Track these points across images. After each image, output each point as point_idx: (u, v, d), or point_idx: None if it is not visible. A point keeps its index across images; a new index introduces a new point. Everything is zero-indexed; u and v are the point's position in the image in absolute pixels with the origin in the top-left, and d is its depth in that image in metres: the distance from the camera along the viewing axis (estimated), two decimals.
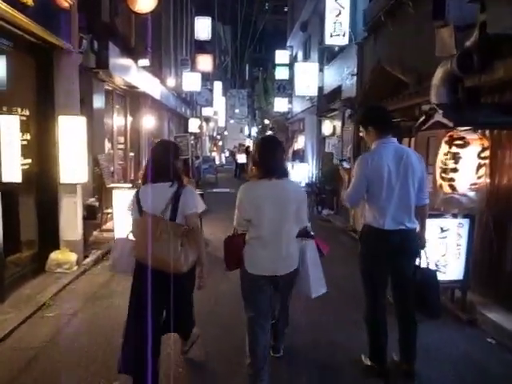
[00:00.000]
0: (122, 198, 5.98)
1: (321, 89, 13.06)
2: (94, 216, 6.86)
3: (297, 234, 2.92)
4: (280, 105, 19.92)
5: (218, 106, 35.08)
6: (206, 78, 25.83)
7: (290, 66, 19.73)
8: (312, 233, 3.11)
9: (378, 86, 7.78)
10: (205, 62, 19.12)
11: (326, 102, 12.89)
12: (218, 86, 34.76)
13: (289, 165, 14.90)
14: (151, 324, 2.71)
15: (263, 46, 56.59)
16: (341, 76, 10.80)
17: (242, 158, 19.82)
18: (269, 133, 28.87)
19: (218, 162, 36.75)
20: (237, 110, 61.66)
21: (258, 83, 30.64)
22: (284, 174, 2.86)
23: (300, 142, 17.46)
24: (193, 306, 3.29)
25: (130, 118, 10.43)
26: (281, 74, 19.72)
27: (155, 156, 2.91)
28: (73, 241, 5.69)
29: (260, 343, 2.85)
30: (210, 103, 19.64)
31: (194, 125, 25.26)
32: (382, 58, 7.47)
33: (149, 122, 11.12)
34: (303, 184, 13.23)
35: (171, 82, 12.60)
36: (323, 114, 12.85)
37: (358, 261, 3.34)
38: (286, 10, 27.69)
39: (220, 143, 47.40)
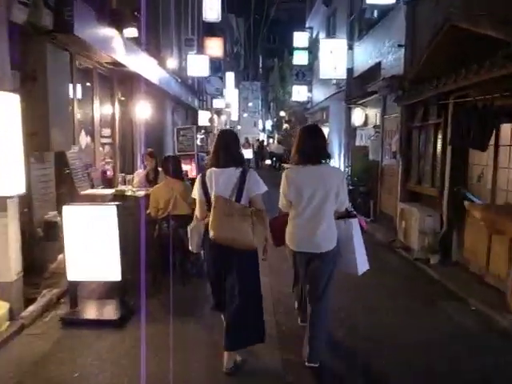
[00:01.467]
0: (89, 214, 4.02)
1: (350, 70, 10.95)
2: (54, 236, 4.97)
3: (338, 216, 3.20)
4: (298, 94, 17.79)
5: (231, 98, 33.09)
6: (217, 68, 23.85)
7: (310, 49, 17.59)
8: (354, 212, 3.41)
9: (442, 55, 5.67)
10: (214, 47, 17.08)
11: (357, 86, 10.78)
12: (230, 76, 32.66)
13: None
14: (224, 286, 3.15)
15: (277, 36, 54.40)
16: (380, 51, 8.68)
17: (248, 154, 17.82)
18: (285, 126, 26.82)
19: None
20: (250, 104, 59.56)
21: (272, 73, 28.49)
22: (323, 159, 3.16)
23: None
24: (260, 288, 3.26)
25: (119, 106, 8.48)
26: (299, 58, 17.57)
27: (219, 143, 3.14)
28: (2, 284, 3.77)
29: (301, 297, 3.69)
30: (220, 93, 17.62)
31: (203, 118, 23.24)
32: (451, 14, 5.35)
33: (145, 111, 9.16)
34: None
35: (172, 63, 10.62)
36: (354, 101, 10.74)
37: None
38: None
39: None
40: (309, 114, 18.17)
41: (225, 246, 2.99)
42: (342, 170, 11.38)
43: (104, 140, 7.88)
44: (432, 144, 6.20)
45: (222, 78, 17.71)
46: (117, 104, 8.34)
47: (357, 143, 10.60)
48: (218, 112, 27.92)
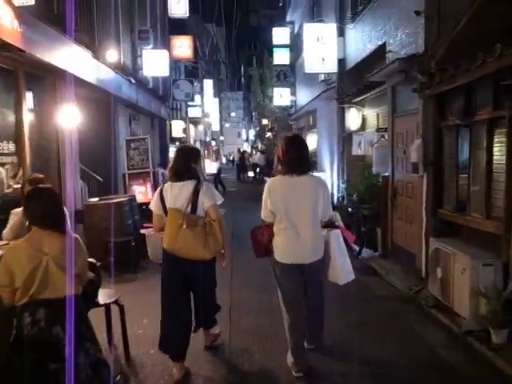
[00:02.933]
0: None
1: (342, 62, 8.81)
2: None
3: (322, 225, 3.23)
4: (281, 97, 15.67)
5: (210, 107, 30.94)
6: (191, 73, 21.64)
7: (291, 47, 15.51)
8: (337, 223, 3.45)
9: (491, 15, 3.53)
10: (183, 46, 14.87)
11: (351, 81, 8.64)
12: (208, 84, 30.58)
13: None
14: (182, 306, 3.30)
15: (258, 42, 52.85)
16: (383, 29, 6.52)
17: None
18: (268, 135, 24.63)
19: (209, 171, 32.71)
20: (233, 114, 57.78)
21: (253, 81, 26.32)
22: (306, 169, 3.18)
23: (310, 143, 13.16)
24: (215, 294, 3.60)
25: (29, 112, 6.17)
26: (280, 57, 15.49)
27: (176, 159, 3.35)
28: None
29: (295, 317, 3.26)
30: (191, 98, 15.36)
31: (177, 128, 21.05)
32: None
33: (78, 119, 6.86)
34: None
35: (114, 57, 8.33)
36: (347, 99, 8.59)
37: None
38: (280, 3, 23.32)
39: (215, 148, 43.27)
40: (293, 120, 16.01)
41: (180, 257, 3.13)
42: (337, 185, 9.19)
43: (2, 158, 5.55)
44: (485, 151, 3.98)
45: (193, 82, 15.44)
46: (25, 109, 6.02)
47: (353, 152, 8.40)
48: (195, 122, 25.66)
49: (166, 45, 14.70)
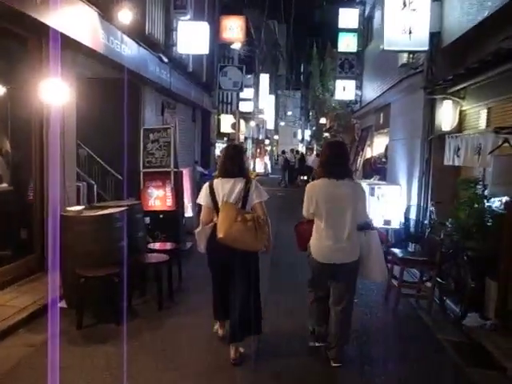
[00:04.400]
0: None
1: (436, 37, 6.43)
2: None
3: (359, 227, 3.39)
4: (343, 91, 13.31)
5: (265, 103, 29.02)
6: (246, 65, 19.66)
7: (360, 32, 13.14)
8: (374, 225, 3.80)
9: None
10: (234, 28, 12.96)
11: (447, 63, 6.26)
12: (264, 79, 28.69)
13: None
14: (224, 285, 3.59)
15: (320, 40, 50.48)
16: None
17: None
18: (326, 135, 22.24)
19: (260, 170, 30.73)
20: (289, 112, 55.53)
21: (312, 75, 24.00)
22: (345, 175, 3.38)
23: (378, 146, 10.79)
24: (259, 292, 3.68)
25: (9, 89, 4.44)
26: (346, 44, 13.15)
27: (228, 157, 3.55)
28: None
29: (320, 312, 3.57)
30: (240, 88, 13.40)
31: (226, 123, 19.25)
32: None
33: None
34: (395, 225, 6.83)
35: (135, 23, 6.44)
36: (439, 89, 6.25)
37: None
38: None
39: (268, 148, 41.32)
40: (357, 117, 13.60)
41: (229, 247, 3.32)
42: (417, 206, 6.80)
43: None
44: None
45: (243, 70, 13.46)
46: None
47: (446, 161, 6.01)
48: (247, 117, 23.77)
49: (215, 25, 12.85)
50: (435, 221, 5.39)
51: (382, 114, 10.08)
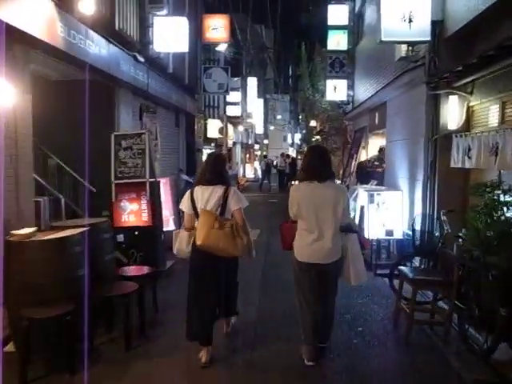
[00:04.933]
0: None
1: (438, 26, 5.78)
2: None
3: (342, 229, 3.51)
4: (335, 91, 12.67)
5: (254, 107, 28.37)
6: (233, 68, 18.95)
7: (350, 29, 12.54)
8: (355, 228, 4.03)
9: None
10: (217, 28, 12.26)
11: (452, 54, 5.63)
12: (252, 82, 28.04)
13: (355, 188, 7.67)
14: (210, 297, 3.59)
15: (307, 41, 50.12)
16: None
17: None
18: (316, 138, 21.60)
19: (250, 175, 30.02)
20: (278, 116, 55.00)
21: (301, 76, 23.36)
22: (327, 177, 3.51)
23: (373, 149, 10.13)
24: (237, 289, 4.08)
25: None
26: (336, 41, 12.53)
27: (207, 164, 3.69)
28: None
29: (307, 315, 3.54)
30: (225, 90, 12.69)
31: (213, 128, 18.52)
32: None
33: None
34: (398, 236, 6.17)
35: (101, 16, 5.70)
36: (443, 83, 5.61)
37: None
38: None
39: (258, 153, 40.66)
40: (348, 119, 12.96)
41: (209, 253, 3.43)
42: (422, 214, 6.12)
43: None
44: None
45: (228, 71, 12.75)
46: None
47: (454, 163, 5.38)
48: (235, 122, 23.07)
49: (198, 25, 12.16)
50: (448, 233, 4.69)
51: (377, 114, 9.43)
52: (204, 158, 16.95)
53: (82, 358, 3.40)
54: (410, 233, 6.37)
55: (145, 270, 4.58)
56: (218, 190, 3.53)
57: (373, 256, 6.47)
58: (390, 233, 6.42)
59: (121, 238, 5.93)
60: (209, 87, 12.52)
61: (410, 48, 6.49)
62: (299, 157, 31.35)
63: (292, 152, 43.77)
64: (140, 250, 5.90)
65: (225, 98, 20.02)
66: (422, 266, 5.33)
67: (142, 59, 7.62)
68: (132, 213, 5.94)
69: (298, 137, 46.55)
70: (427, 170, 6.16)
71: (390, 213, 6.60)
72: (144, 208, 5.93)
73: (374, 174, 8.95)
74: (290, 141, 55.03)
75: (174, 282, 5.80)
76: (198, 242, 3.40)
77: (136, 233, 5.92)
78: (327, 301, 3.58)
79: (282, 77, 52.86)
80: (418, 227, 5.88)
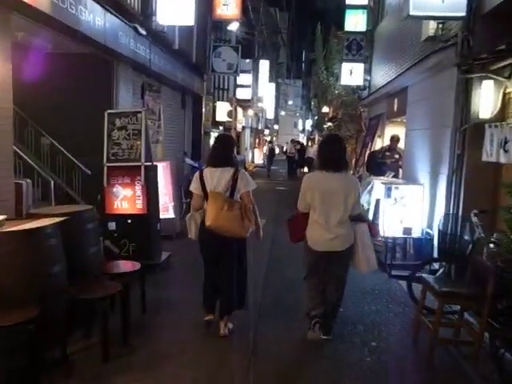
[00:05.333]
0: None
1: (474, 0, 5.09)
2: None
3: (352, 219, 3.57)
4: (350, 75, 11.95)
5: (265, 91, 27.55)
6: (244, 49, 18.20)
7: (369, 9, 11.77)
8: (366, 218, 4.16)
9: None
10: (228, 4, 11.54)
11: (490, 33, 4.95)
12: (264, 65, 27.21)
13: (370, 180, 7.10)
14: (215, 272, 3.71)
15: (322, 23, 48.87)
16: None
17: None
18: (329, 125, 20.88)
19: (259, 161, 29.38)
20: (290, 102, 54.03)
21: (316, 58, 22.48)
22: (341, 168, 3.56)
23: (388, 136, 9.40)
24: (246, 274, 3.91)
25: None
26: (354, 22, 11.76)
27: (216, 147, 3.76)
28: None
29: (315, 296, 3.69)
30: (234, 70, 12.03)
31: (221, 111, 17.86)
32: None
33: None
34: (417, 234, 5.62)
35: None
36: (477, 66, 4.96)
37: None
38: None
39: (268, 138, 39.89)
40: (364, 105, 12.26)
41: (217, 234, 3.48)
42: (445, 214, 5.51)
43: None
44: None
45: (238, 50, 12.07)
46: None
47: (486, 156, 4.75)
48: (244, 106, 22.37)
49: (208, 0, 11.45)
50: (481, 237, 4.10)
51: (396, 101, 8.75)
52: (212, 141, 16.46)
53: (50, 373, 2.90)
54: (431, 232, 5.80)
55: (131, 266, 4.04)
56: (227, 173, 3.57)
57: (387, 255, 5.89)
58: (407, 231, 5.82)
59: (112, 226, 5.43)
60: (217, 67, 11.86)
61: (440, 26, 5.81)
62: (309, 143, 30.64)
63: (302, 139, 42.99)
64: (133, 240, 5.39)
65: (235, 80, 19.35)
66: (443, 272, 4.74)
67: (143, 32, 7.03)
68: (125, 199, 5.42)
69: (309, 123, 45.63)
70: (453, 163, 5.52)
71: (408, 209, 6.00)
72: (138, 194, 5.40)
73: (383, 166, 8.18)
74: (300, 127, 54.14)
75: (169, 277, 5.31)
76: (208, 223, 3.48)
77: (129, 221, 5.41)
78: (338, 288, 3.69)
79: (295, 61, 51.86)
80: (435, 228, 5.28)
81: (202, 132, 13.32)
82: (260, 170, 24.60)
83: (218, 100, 17.58)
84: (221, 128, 18.37)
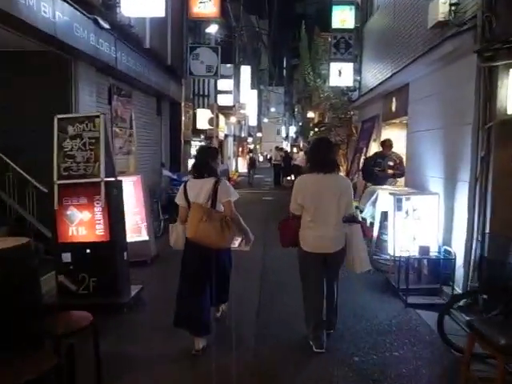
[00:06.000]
0: None
1: None
2: None
3: (344, 219, 3.58)
4: (339, 76, 11.12)
5: (247, 98, 26.70)
6: (224, 53, 17.31)
7: (357, 6, 11.02)
8: (358, 219, 4.09)
9: None
10: (206, 2, 10.63)
11: None
12: (245, 71, 26.41)
13: (374, 189, 6.21)
14: (201, 286, 3.57)
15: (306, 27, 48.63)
16: None
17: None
18: (315, 130, 20.04)
19: (243, 170, 28.42)
20: (272, 109, 53.45)
21: (301, 61, 21.67)
22: (332, 169, 3.62)
23: (385, 138, 8.52)
24: (229, 279, 4.01)
25: None
26: (341, 19, 10.96)
27: (197, 158, 3.85)
28: None
29: (317, 302, 3.66)
30: (214, 73, 11.09)
31: (202, 118, 16.87)
32: None
33: None
34: (434, 254, 4.72)
35: None
36: (503, 52, 4.10)
37: None
38: None
39: (251, 146, 39.01)
40: (355, 108, 11.42)
41: (200, 245, 3.48)
42: (472, 236, 4.62)
43: None
44: None
45: (218, 52, 11.13)
46: None
47: None
48: (226, 113, 21.43)
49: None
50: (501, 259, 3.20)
51: (394, 100, 7.91)
52: (193, 150, 15.45)
53: None
54: (451, 250, 4.91)
55: (78, 320, 2.98)
56: (208, 183, 3.57)
57: (400, 278, 4.98)
58: (425, 251, 4.89)
59: (67, 257, 4.42)
60: (195, 69, 10.91)
61: (453, 8, 4.97)
62: (294, 150, 29.86)
63: (286, 146, 42.25)
64: (93, 274, 4.40)
65: (216, 85, 18.43)
66: (498, 314, 3.82)
67: (106, 25, 6.03)
68: (82, 224, 4.41)
69: (292, 130, 45.00)
70: (476, 168, 4.65)
71: (423, 223, 5.10)
72: (99, 218, 4.39)
73: (375, 175, 7.20)
74: (283, 134, 53.49)
75: (138, 321, 4.26)
76: (188, 235, 3.54)
77: (88, 251, 4.41)
78: (332, 288, 3.75)
79: (277, 67, 51.31)
80: (454, 246, 4.38)
81: (182, 141, 12.32)
82: (244, 178, 23.65)
83: (199, 107, 16.61)
84: (202, 137, 17.38)
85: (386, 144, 7.25)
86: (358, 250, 3.65)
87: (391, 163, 7.13)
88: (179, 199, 3.68)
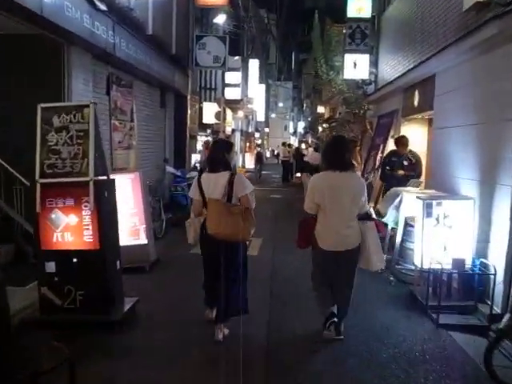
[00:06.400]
0: None
1: None
2: None
3: (359, 217, 3.62)
4: (354, 68, 10.46)
5: (255, 92, 26.08)
6: (232, 44, 16.64)
7: None
8: (373, 216, 4.05)
9: None
10: None
11: None
12: (254, 64, 25.78)
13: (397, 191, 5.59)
14: (215, 273, 3.64)
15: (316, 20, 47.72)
16: None
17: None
18: (324, 126, 19.40)
19: (249, 166, 27.83)
20: (280, 104, 52.71)
21: (306, 65, 21.02)
22: (348, 167, 3.62)
23: (407, 135, 7.85)
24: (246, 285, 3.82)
25: None
26: (357, 8, 10.29)
27: (211, 151, 3.85)
28: None
29: (326, 298, 3.74)
30: (221, 64, 10.49)
31: (208, 112, 16.28)
32: None
33: None
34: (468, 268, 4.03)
35: None
36: None
37: None
38: None
39: (259, 141, 38.41)
40: (370, 101, 10.77)
41: (219, 239, 3.50)
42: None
43: None
44: None
45: (226, 41, 10.52)
46: None
47: None
48: (234, 107, 20.80)
49: None
50: None
51: (416, 93, 7.26)
52: (199, 145, 14.89)
53: None
54: (489, 263, 4.29)
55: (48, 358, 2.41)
56: (223, 177, 3.57)
57: (428, 293, 4.39)
58: (460, 264, 4.29)
59: (51, 267, 3.88)
60: (202, 60, 10.31)
61: None
62: (303, 146, 29.22)
63: (294, 142, 41.58)
64: (80, 286, 3.86)
65: (223, 78, 17.82)
66: None
67: (102, 6, 5.46)
68: (69, 229, 3.85)
69: (301, 125, 44.28)
70: None
71: (455, 232, 4.49)
72: (87, 222, 3.83)
73: (390, 177, 6.55)
74: (291, 130, 52.79)
75: (130, 343, 3.68)
76: (211, 231, 3.50)
77: (74, 260, 3.85)
78: (347, 285, 3.72)
79: (286, 62, 50.58)
80: (491, 259, 3.78)
81: (188, 136, 11.76)
82: (251, 174, 23.08)
83: (205, 100, 16.03)
84: (208, 131, 16.82)
85: (402, 142, 6.54)
86: (373, 248, 3.63)
87: (406, 163, 6.46)
88: (193, 193, 3.72)
